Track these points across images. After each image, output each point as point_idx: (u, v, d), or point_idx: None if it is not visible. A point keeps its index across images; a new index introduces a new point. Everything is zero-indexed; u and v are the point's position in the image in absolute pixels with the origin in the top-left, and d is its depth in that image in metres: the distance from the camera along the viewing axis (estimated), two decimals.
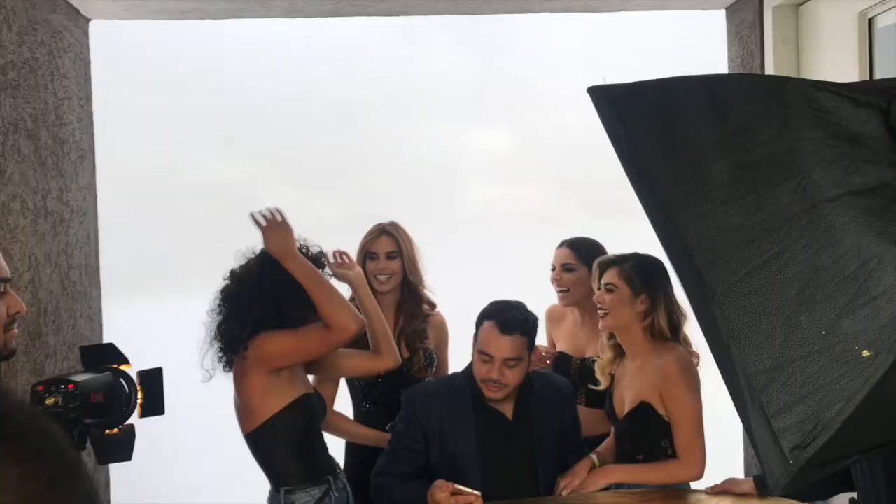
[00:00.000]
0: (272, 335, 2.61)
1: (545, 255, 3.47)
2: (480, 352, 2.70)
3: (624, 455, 2.80)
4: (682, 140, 1.57)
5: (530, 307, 2.84)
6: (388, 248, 3.16)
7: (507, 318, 2.67)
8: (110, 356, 2.22)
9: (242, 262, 2.70)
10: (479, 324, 2.75)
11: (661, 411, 2.71)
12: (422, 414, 2.73)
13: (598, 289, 2.83)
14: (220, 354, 2.67)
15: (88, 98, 3.58)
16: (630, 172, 1.66)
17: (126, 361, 2.24)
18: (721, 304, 1.46)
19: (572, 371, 3.21)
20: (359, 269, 2.97)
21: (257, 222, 2.69)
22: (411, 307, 3.20)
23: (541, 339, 3.47)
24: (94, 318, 3.60)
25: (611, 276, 2.79)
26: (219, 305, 2.69)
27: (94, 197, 3.64)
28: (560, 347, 3.35)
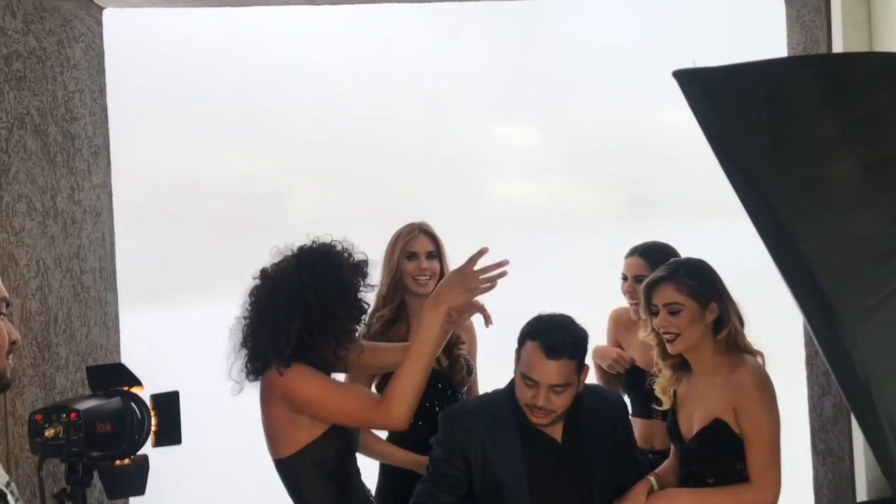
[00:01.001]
0: (310, 377, 2.31)
1: (576, 253, 3.22)
2: (524, 375, 2.47)
3: (691, 478, 2.58)
4: (794, 133, 1.31)
5: (562, 307, 2.58)
6: (429, 247, 3.01)
7: (553, 340, 2.43)
8: (120, 378, 2.00)
9: (277, 259, 2.41)
10: (521, 342, 2.52)
11: (736, 430, 2.49)
12: (462, 436, 2.52)
13: (651, 314, 2.59)
14: (246, 365, 2.39)
15: (102, 91, 3.36)
16: (730, 170, 1.40)
17: (138, 383, 2.01)
18: (853, 333, 1.20)
19: (646, 387, 2.96)
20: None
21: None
22: None
23: (600, 340, 3.26)
24: (111, 325, 3.38)
25: (668, 294, 2.55)
26: (247, 309, 2.41)
27: (109, 196, 3.42)
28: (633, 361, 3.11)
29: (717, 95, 1.38)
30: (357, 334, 2.51)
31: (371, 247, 2.76)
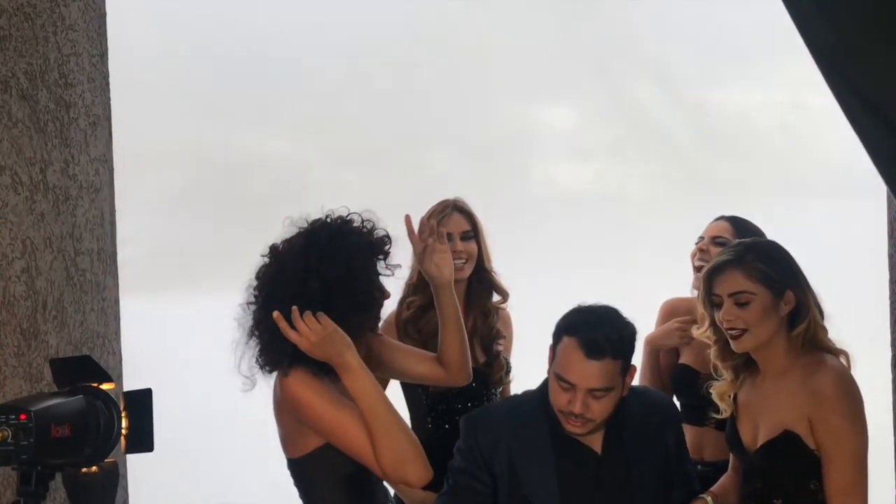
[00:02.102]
0: (311, 390, 2.11)
1: (625, 241, 2.95)
2: (559, 377, 2.22)
3: (755, 497, 2.29)
4: None
5: (608, 301, 2.33)
6: (463, 227, 2.80)
7: (594, 336, 2.18)
8: (86, 372, 1.79)
9: (290, 233, 2.22)
10: (557, 338, 2.26)
11: (811, 444, 2.19)
12: (486, 445, 2.28)
13: (712, 305, 2.29)
14: (257, 356, 2.19)
15: (103, 56, 3.17)
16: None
17: (107, 379, 1.80)
18: None
19: (699, 392, 2.68)
20: (450, 256, 2.40)
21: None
22: (482, 299, 2.83)
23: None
24: (110, 312, 3.20)
25: (735, 281, 2.23)
26: (254, 294, 2.21)
27: (110, 171, 3.24)
28: (683, 359, 2.81)
29: None
30: (373, 328, 2.28)
31: (397, 237, 2.54)
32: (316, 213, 2.23)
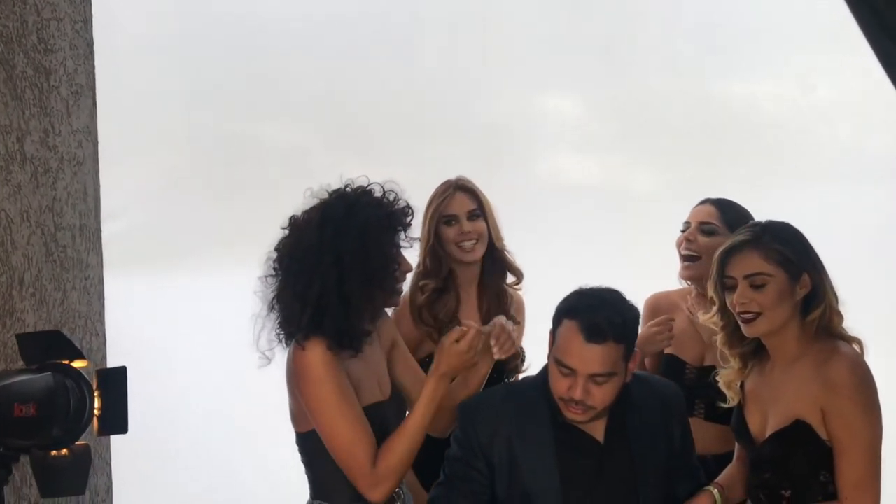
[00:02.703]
0: (322, 367, 2.11)
1: (629, 233, 2.84)
2: (558, 362, 2.13)
3: (763, 488, 2.21)
4: None
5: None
6: (469, 206, 2.70)
7: (595, 319, 2.09)
8: (57, 348, 1.69)
9: (309, 205, 2.21)
10: (557, 321, 2.18)
11: (823, 434, 2.11)
12: (484, 434, 2.20)
13: (724, 289, 2.19)
14: (277, 330, 2.19)
15: (87, 22, 3.06)
16: None
17: (79, 356, 1.70)
18: None
19: (686, 383, 2.60)
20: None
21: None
22: (496, 282, 2.75)
23: None
24: (93, 290, 3.11)
25: (752, 262, 2.14)
26: (274, 266, 2.20)
27: (94, 144, 3.14)
28: (669, 349, 2.71)
29: None
30: (388, 302, 2.26)
31: (418, 208, 2.45)
32: (337, 184, 2.20)
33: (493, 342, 2.23)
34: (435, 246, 2.70)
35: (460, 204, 2.70)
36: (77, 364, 1.69)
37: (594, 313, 2.10)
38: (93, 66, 3.12)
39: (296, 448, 2.30)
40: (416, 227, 2.30)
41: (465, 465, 2.21)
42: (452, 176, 2.83)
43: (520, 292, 2.85)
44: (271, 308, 2.18)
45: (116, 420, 1.69)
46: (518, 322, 2.73)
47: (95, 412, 1.68)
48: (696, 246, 2.66)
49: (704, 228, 2.66)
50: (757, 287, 2.13)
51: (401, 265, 2.21)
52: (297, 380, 2.15)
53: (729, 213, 2.65)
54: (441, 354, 2.20)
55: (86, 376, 1.70)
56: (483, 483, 2.20)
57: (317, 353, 2.11)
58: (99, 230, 3.18)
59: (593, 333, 2.08)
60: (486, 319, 2.67)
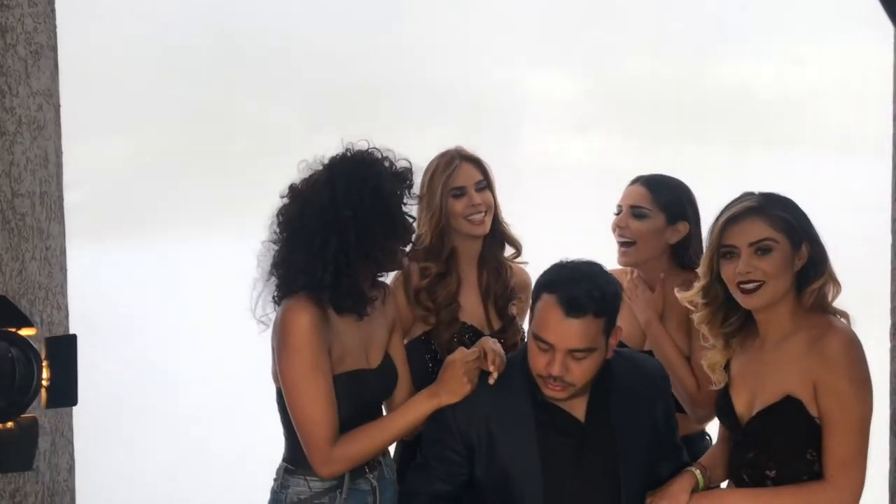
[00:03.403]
0: (295, 338, 2.13)
1: (610, 211, 2.77)
2: (536, 337, 2.09)
3: (747, 467, 2.16)
4: None
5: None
6: (476, 176, 2.61)
7: (574, 293, 2.05)
8: (2, 315, 1.62)
9: (307, 174, 2.24)
10: (536, 296, 2.14)
11: (813, 411, 2.09)
12: (462, 414, 2.16)
13: (722, 257, 2.14)
14: (275, 294, 2.22)
15: None
16: None
17: (26, 323, 1.63)
18: None
19: None
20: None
21: None
22: (494, 254, 2.67)
23: None
24: (54, 261, 3.02)
25: (758, 229, 2.10)
26: (276, 232, 2.22)
27: (56, 108, 3.04)
28: None
29: None
30: (396, 268, 2.31)
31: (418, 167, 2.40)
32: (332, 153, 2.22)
33: (490, 367, 2.17)
34: (443, 221, 2.58)
35: (468, 175, 2.60)
36: (24, 332, 1.62)
37: (573, 287, 2.06)
38: (54, 26, 3.01)
39: (267, 420, 2.32)
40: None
41: (443, 448, 2.18)
42: (433, 154, 2.74)
43: (523, 266, 2.75)
44: (272, 273, 2.20)
45: (66, 391, 1.62)
46: (520, 298, 2.67)
47: (44, 383, 1.61)
48: (630, 231, 2.58)
49: (635, 212, 2.58)
50: (763, 253, 2.08)
51: (413, 222, 2.25)
52: (277, 339, 2.16)
53: (660, 193, 2.58)
54: (446, 384, 2.19)
55: (33, 346, 1.63)
56: (461, 465, 2.17)
57: (304, 318, 2.12)
58: (61, 198, 3.09)
59: (572, 307, 2.04)
60: (485, 295, 2.62)
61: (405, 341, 2.58)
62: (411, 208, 2.26)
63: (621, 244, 2.62)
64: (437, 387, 2.20)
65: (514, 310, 2.66)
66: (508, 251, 2.73)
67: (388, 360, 2.32)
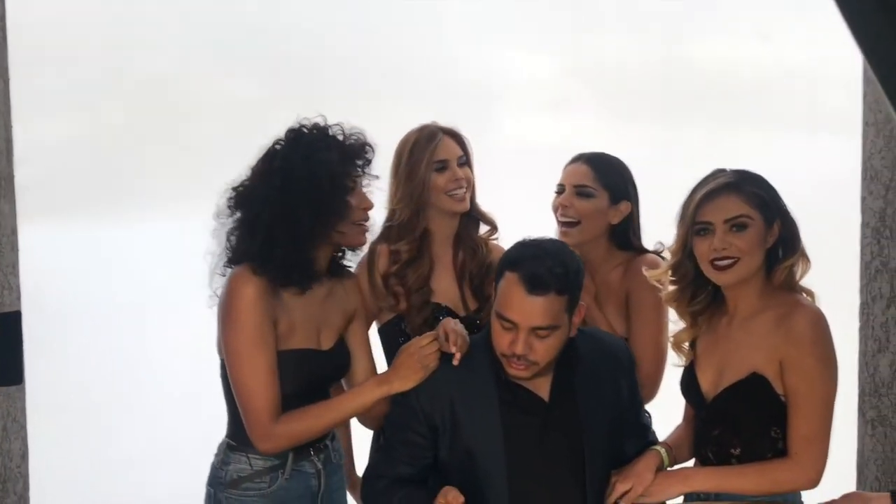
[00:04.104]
0: (239, 310, 2.13)
1: None
2: (500, 316, 2.09)
3: (711, 443, 2.21)
4: None
5: None
6: (458, 151, 2.57)
7: (537, 270, 2.05)
8: None
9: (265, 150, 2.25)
10: (499, 275, 2.14)
11: (778, 389, 2.12)
12: (425, 396, 2.16)
13: (695, 235, 2.15)
14: (225, 265, 2.23)
15: None
16: None
17: None
18: None
19: None
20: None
21: None
22: (471, 233, 2.63)
23: None
24: (5, 241, 2.97)
25: (733, 205, 2.12)
26: (229, 206, 2.23)
27: (5, 80, 2.98)
28: None
29: None
30: (353, 245, 2.28)
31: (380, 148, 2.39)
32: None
33: (452, 349, 2.16)
34: (424, 196, 2.53)
35: (450, 149, 2.55)
36: None
37: (536, 264, 2.06)
38: None
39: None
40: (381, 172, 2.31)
41: (407, 429, 2.18)
42: (403, 134, 2.70)
43: (499, 244, 2.69)
44: (226, 247, 2.21)
45: (10, 370, 1.59)
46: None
47: None
48: (574, 211, 2.56)
49: (580, 191, 2.55)
50: (738, 229, 2.11)
51: (359, 201, 2.20)
52: (221, 310, 2.16)
53: (604, 172, 2.57)
54: (398, 370, 2.18)
55: None
56: (425, 448, 2.17)
57: (248, 289, 2.12)
58: (11, 176, 3.03)
59: (535, 285, 2.04)
60: (460, 275, 2.59)
61: (378, 325, 2.57)
62: (368, 185, 2.24)
63: (563, 223, 2.59)
64: (389, 373, 2.20)
65: (490, 288, 2.60)
66: (483, 229, 2.70)
67: (341, 344, 2.31)
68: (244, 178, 2.23)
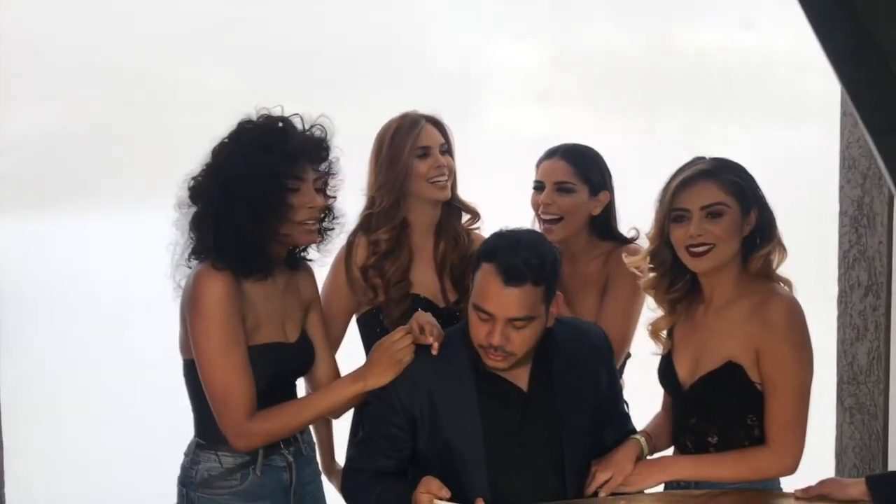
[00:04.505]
0: (207, 306, 2.12)
1: None
2: (476, 307, 2.11)
3: (688, 432, 2.24)
4: None
5: None
6: (440, 139, 2.57)
7: (513, 261, 2.07)
8: None
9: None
10: (475, 266, 2.15)
11: (754, 377, 2.16)
12: (403, 388, 2.17)
13: (672, 221, 2.18)
14: (188, 257, 2.21)
15: None
16: None
17: None
18: None
19: None
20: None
21: None
22: (452, 223, 2.63)
23: None
24: None
25: (710, 192, 2.15)
26: (189, 193, 2.22)
27: None
28: None
29: None
30: (303, 243, 2.25)
31: (347, 181, 2.39)
32: None
33: (429, 340, 2.17)
34: (406, 184, 2.52)
35: (433, 136, 2.55)
36: None
37: (512, 255, 2.08)
38: None
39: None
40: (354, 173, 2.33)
41: (385, 422, 2.19)
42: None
43: (480, 232, 2.70)
44: (190, 236, 2.19)
45: None
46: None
47: None
48: (556, 208, 2.58)
49: (561, 188, 2.58)
50: (714, 217, 2.14)
51: (306, 200, 2.16)
52: (188, 308, 2.14)
53: (581, 165, 2.59)
54: (372, 366, 2.18)
55: None
56: (404, 440, 2.18)
57: (216, 286, 2.11)
58: None
59: (511, 276, 2.06)
60: (440, 266, 2.60)
61: (356, 315, 2.58)
62: (324, 182, 2.22)
63: (547, 221, 2.60)
64: (363, 370, 2.21)
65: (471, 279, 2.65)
66: (465, 219, 2.70)
67: (305, 336, 2.32)
68: (199, 169, 2.22)
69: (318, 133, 2.19)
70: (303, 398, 2.26)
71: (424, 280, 2.58)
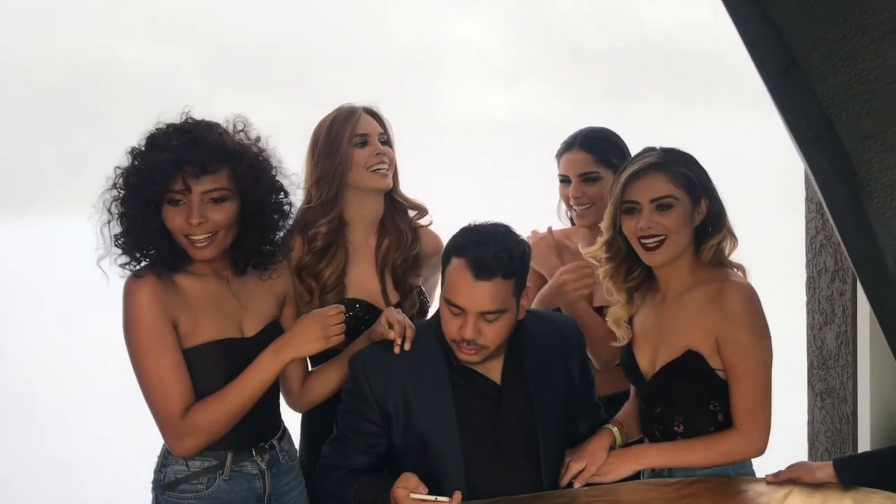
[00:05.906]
0: (133, 311, 2.13)
1: (548, 170, 2.88)
2: (448, 301, 2.18)
3: (654, 421, 2.34)
4: None
5: (530, 227, 2.35)
6: (378, 129, 2.57)
7: (483, 255, 2.14)
8: None
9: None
10: (445, 261, 2.22)
11: (714, 364, 2.24)
12: (377, 384, 2.24)
13: (623, 213, 2.27)
14: (119, 258, 2.20)
15: None
16: None
17: None
18: (883, 208, 0.96)
19: None
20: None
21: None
22: (396, 220, 2.61)
23: None
24: None
25: (659, 185, 2.24)
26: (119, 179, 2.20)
27: None
28: (599, 301, 2.70)
29: None
30: (197, 258, 2.19)
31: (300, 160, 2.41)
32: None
33: (398, 340, 2.23)
34: (345, 173, 2.51)
35: (371, 125, 2.55)
36: None
37: (481, 249, 2.14)
38: None
39: None
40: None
41: (359, 418, 2.25)
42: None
43: (430, 228, 2.70)
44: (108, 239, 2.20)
45: None
46: (421, 269, 2.64)
47: None
48: (587, 198, 2.69)
49: (586, 178, 2.70)
50: (664, 209, 2.23)
51: (184, 217, 2.12)
52: (122, 319, 2.16)
53: (601, 152, 2.70)
54: (294, 336, 2.21)
55: None
56: (378, 435, 2.24)
57: (139, 292, 2.12)
58: None
59: (481, 270, 2.13)
60: (382, 265, 2.58)
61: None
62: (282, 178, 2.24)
63: (581, 215, 2.73)
64: (282, 341, 2.21)
65: (415, 280, 2.62)
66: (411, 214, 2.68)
67: (268, 330, 2.29)
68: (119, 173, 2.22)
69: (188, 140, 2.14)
70: (230, 384, 2.19)
71: (363, 281, 2.57)
